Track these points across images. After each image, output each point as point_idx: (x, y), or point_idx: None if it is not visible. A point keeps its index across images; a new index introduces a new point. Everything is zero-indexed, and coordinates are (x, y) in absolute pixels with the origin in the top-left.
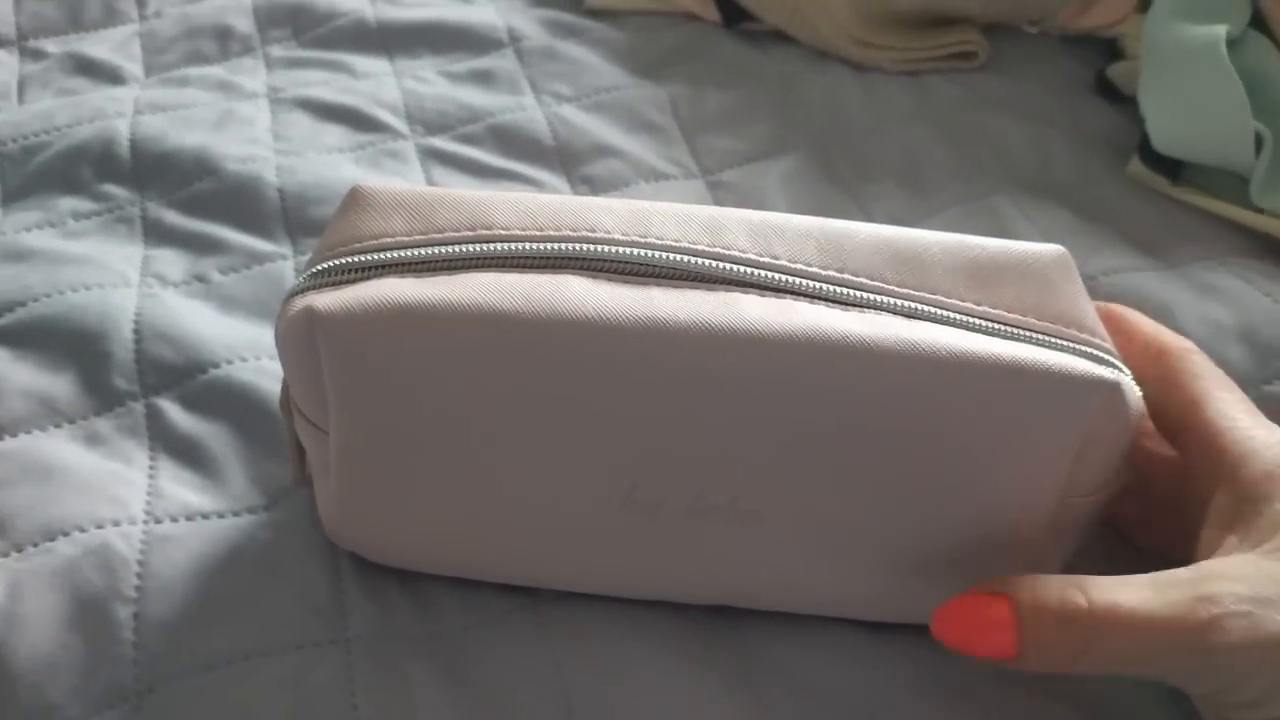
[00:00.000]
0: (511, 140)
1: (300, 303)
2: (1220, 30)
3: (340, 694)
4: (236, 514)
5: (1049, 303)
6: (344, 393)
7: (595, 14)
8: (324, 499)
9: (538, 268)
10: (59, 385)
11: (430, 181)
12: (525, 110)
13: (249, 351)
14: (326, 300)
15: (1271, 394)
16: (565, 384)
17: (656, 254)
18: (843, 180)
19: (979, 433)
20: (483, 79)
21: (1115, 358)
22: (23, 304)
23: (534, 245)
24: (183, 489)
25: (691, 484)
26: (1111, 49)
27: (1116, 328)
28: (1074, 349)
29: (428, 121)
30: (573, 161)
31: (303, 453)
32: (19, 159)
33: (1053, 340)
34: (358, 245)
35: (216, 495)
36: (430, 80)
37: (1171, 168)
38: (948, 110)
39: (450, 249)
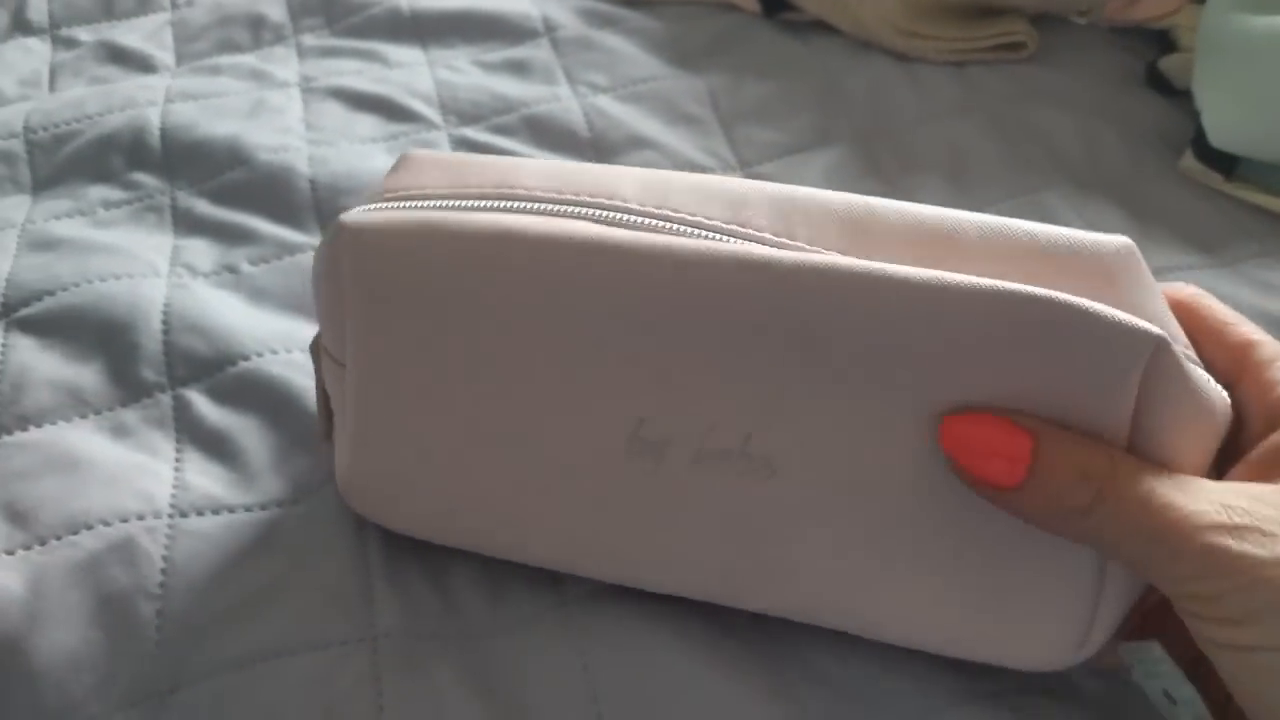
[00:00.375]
0: (546, 131)
1: (337, 226)
2: None
3: (367, 694)
4: (264, 508)
5: (1102, 297)
6: (364, 310)
7: (632, 3)
8: (341, 452)
9: (559, 214)
10: (86, 375)
11: None
12: (560, 101)
13: (279, 344)
14: (355, 216)
15: None
16: (575, 306)
17: (671, 226)
18: (886, 174)
19: (1002, 375)
20: (517, 69)
21: (1195, 362)
22: (51, 293)
23: (553, 206)
24: (209, 482)
25: (701, 417)
26: (1163, 40)
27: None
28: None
29: (461, 112)
30: (608, 153)
31: (328, 410)
32: (50, 147)
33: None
34: (391, 195)
35: (243, 489)
36: (464, 70)
37: (1226, 163)
38: (995, 103)
39: (476, 202)
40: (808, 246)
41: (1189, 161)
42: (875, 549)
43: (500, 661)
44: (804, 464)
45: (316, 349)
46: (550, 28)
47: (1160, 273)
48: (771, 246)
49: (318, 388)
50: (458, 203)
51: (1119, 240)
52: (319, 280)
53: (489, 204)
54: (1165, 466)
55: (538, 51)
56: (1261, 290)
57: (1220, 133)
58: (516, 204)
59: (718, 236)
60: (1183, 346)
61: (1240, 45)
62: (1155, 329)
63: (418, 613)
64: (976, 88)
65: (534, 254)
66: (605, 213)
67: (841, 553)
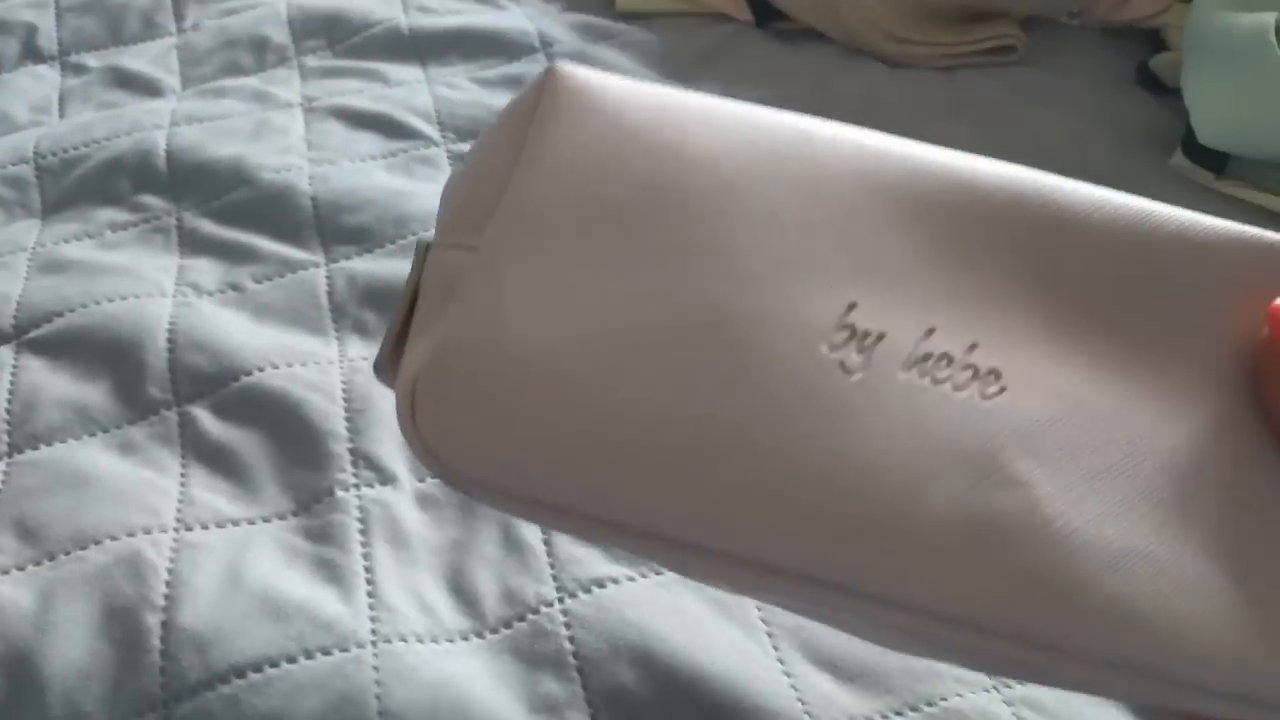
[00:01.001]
0: None
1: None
2: (1269, 18)
3: (367, 699)
4: (267, 520)
5: None
6: (545, 150)
7: (627, 17)
8: (420, 354)
9: None
10: (94, 394)
11: None
12: None
13: (281, 358)
14: (569, 67)
15: None
16: (799, 171)
17: None
18: None
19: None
20: (514, 84)
21: None
22: (60, 314)
23: None
24: (214, 496)
25: (921, 312)
26: (1154, 40)
27: None
28: None
29: (459, 127)
30: None
31: (408, 320)
32: (59, 171)
33: None
34: None
35: (247, 502)
36: (462, 86)
37: (1216, 160)
38: (985, 105)
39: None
40: None
41: (1179, 159)
42: (1119, 502)
43: (503, 660)
44: (1041, 388)
45: (423, 252)
46: (546, 43)
47: None
48: None
49: (405, 295)
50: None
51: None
52: (497, 129)
53: None
54: None
55: (534, 67)
56: None
57: (1208, 130)
58: None
59: None
60: None
61: (1225, 43)
62: None
63: (419, 617)
64: (967, 91)
65: (769, 131)
66: None
67: (1080, 503)
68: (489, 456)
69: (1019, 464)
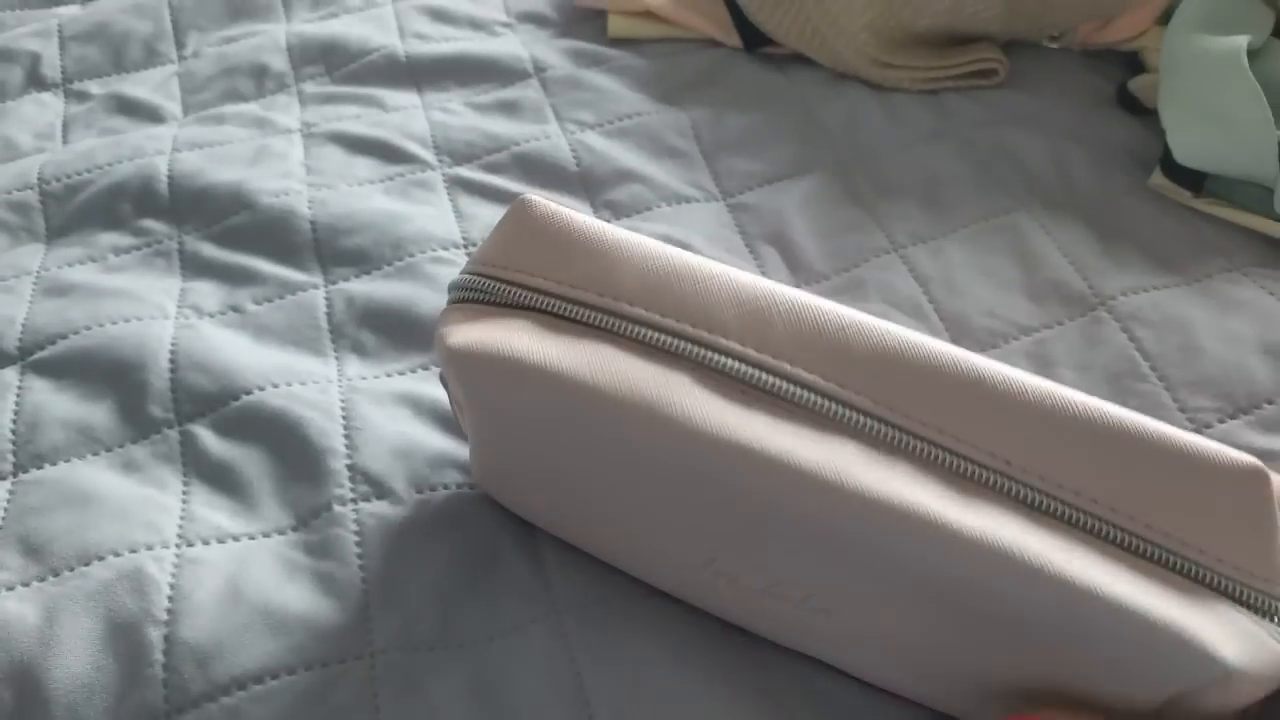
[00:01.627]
0: (535, 168)
1: (446, 321)
2: (1241, 40)
3: (364, 709)
4: (267, 535)
5: (1219, 528)
6: (470, 406)
7: (618, 43)
8: (471, 450)
9: (656, 352)
10: (97, 414)
11: (456, 209)
12: (549, 138)
13: (280, 378)
14: (459, 335)
15: None
16: (655, 467)
17: (768, 378)
18: (863, 199)
19: (1076, 647)
20: (508, 109)
21: (1274, 598)
22: (64, 337)
23: (654, 335)
24: (215, 513)
25: (766, 575)
26: (1133, 62)
27: None
28: (1233, 590)
29: (454, 152)
30: (596, 187)
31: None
32: (63, 197)
33: (1208, 575)
34: (504, 273)
35: (248, 518)
36: (457, 111)
37: (1193, 179)
38: (968, 128)
39: (579, 311)
40: (904, 421)
41: (1158, 178)
42: (919, 673)
43: (495, 671)
44: (861, 627)
45: (445, 381)
46: (540, 68)
47: (1127, 293)
48: (869, 418)
49: (451, 401)
50: (563, 306)
51: (1246, 462)
52: (438, 354)
53: (591, 316)
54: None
55: (527, 91)
56: (1225, 308)
57: (1184, 150)
58: (617, 323)
59: (819, 400)
60: (1272, 580)
61: (1200, 65)
62: (1237, 663)
63: (413, 628)
64: (950, 114)
65: (623, 424)
66: (707, 352)
67: (888, 665)
68: (511, 507)
69: (839, 640)
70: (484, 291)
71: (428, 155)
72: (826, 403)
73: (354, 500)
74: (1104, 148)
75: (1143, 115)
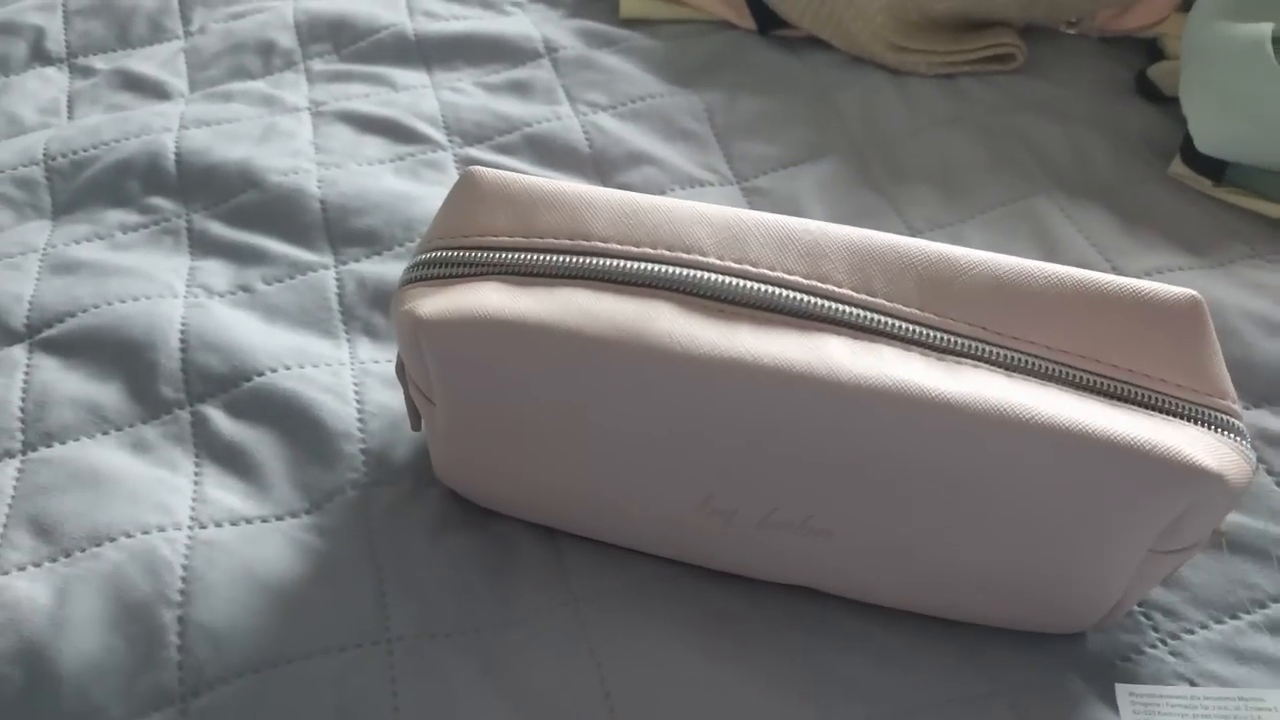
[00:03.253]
0: (547, 149)
1: (409, 300)
2: (1266, 28)
3: (383, 695)
4: (280, 518)
5: (1168, 356)
6: (445, 382)
7: (630, 23)
8: (434, 448)
9: (632, 286)
10: (107, 394)
11: None
12: (561, 120)
13: (293, 360)
14: (430, 306)
15: None
16: (647, 405)
17: (750, 285)
18: (879, 185)
19: (1067, 497)
20: (519, 89)
21: (1235, 417)
22: (72, 315)
23: (630, 264)
24: (227, 495)
25: (765, 502)
26: (1152, 49)
27: None
28: (1187, 409)
29: (465, 132)
30: (608, 169)
31: (418, 415)
32: (68, 173)
33: (1165, 399)
34: (464, 240)
35: (260, 500)
36: (468, 91)
37: (1214, 168)
38: (985, 113)
39: (548, 258)
40: (886, 304)
41: (1178, 167)
42: (918, 579)
43: (513, 658)
44: (859, 537)
45: (402, 373)
46: (551, 49)
47: (1151, 274)
48: (849, 305)
49: (406, 397)
50: (531, 257)
51: (1185, 295)
52: (399, 336)
53: (562, 261)
54: (1195, 544)
55: (539, 72)
56: (1251, 290)
57: (1206, 138)
58: (592, 262)
59: (800, 297)
60: (1229, 401)
61: (1223, 52)
62: (1214, 466)
63: (431, 614)
64: (966, 99)
65: (606, 364)
66: (685, 272)
67: (886, 580)
68: (478, 500)
69: (839, 567)
70: (442, 265)
71: (438, 135)
72: (809, 299)
73: (368, 485)
74: (1122, 135)
75: (1162, 103)
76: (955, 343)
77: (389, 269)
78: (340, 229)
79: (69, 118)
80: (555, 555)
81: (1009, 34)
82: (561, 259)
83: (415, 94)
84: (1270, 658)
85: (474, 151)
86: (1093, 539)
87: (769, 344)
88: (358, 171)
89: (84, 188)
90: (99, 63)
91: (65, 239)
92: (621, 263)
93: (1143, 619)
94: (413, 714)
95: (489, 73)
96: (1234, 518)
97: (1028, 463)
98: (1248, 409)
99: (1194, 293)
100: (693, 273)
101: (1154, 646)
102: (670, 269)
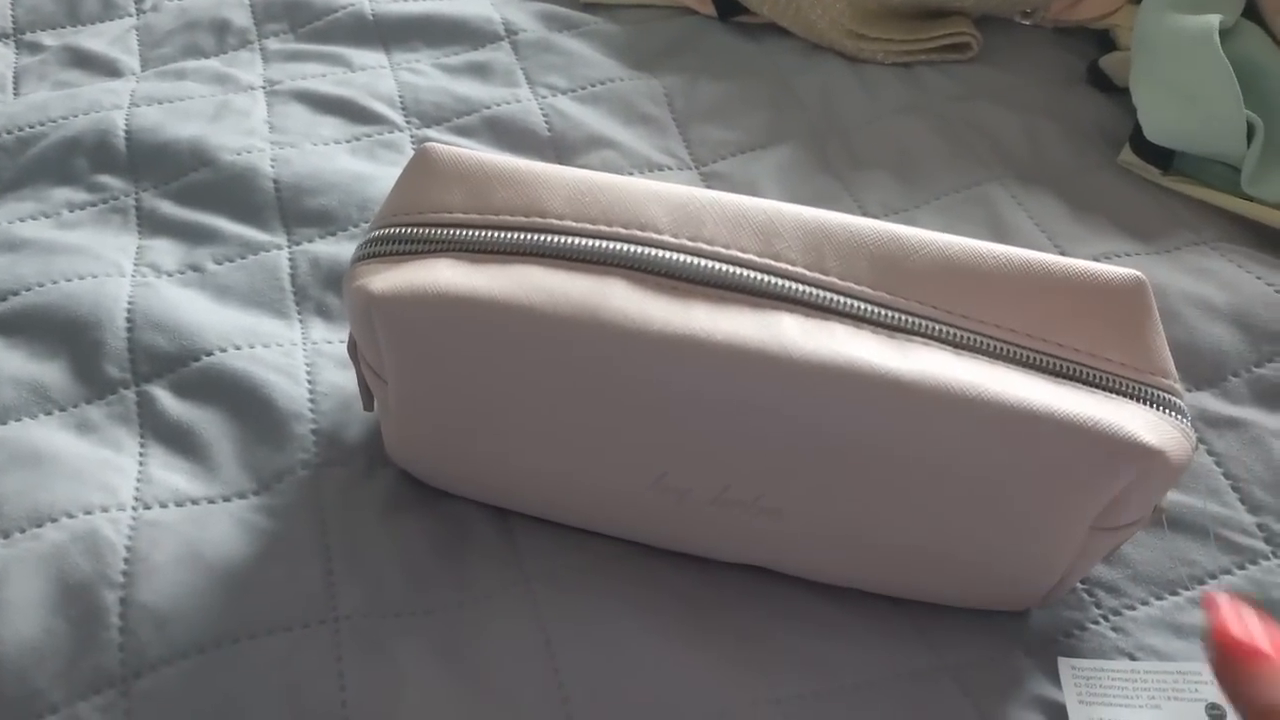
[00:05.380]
0: (506, 131)
1: (361, 276)
2: (1213, 20)
3: (328, 674)
4: (227, 499)
5: (1112, 335)
6: (398, 359)
7: (591, 7)
8: (386, 429)
9: (587, 263)
10: (50, 373)
11: None
12: (520, 102)
13: (243, 339)
14: (382, 281)
15: (1264, 377)
16: (600, 382)
17: (705, 263)
18: (836, 170)
19: (1012, 474)
20: (478, 71)
21: (1177, 396)
22: (15, 293)
23: (585, 242)
24: (173, 475)
25: (717, 481)
26: (1104, 40)
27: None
28: (1130, 388)
29: (423, 113)
30: (567, 153)
31: (370, 394)
32: (13, 150)
33: (1109, 378)
34: (418, 217)
35: (207, 481)
36: (426, 73)
37: (1163, 157)
38: (941, 101)
39: (504, 235)
40: (839, 282)
41: (1128, 155)
42: (872, 562)
43: (463, 638)
44: (810, 516)
45: (354, 351)
46: (511, 31)
47: (1100, 258)
48: (803, 284)
49: (358, 376)
50: (487, 234)
51: (1129, 276)
52: (351, 314)
53: (518, 239)
54: (1138, 520)
55: (498, 54)
56: (1196, 275)
57: (1155, 128)
58: (547, 239)
59: (754, 275)
60: (1171, 381)
61: (1172, 43)
62: (1154, 443)
63: (380, 593)
64: (923, 87)
65: (560, 340)
66: (640, 249)
67: (835, 559)
68: (432, 481)
69: (789, 546)
70: (396, 241)
71: (395, 116)
72: (763, 277)
73: (319, 465)
74: (1075, 124)
75: (1113, 93)
76: (906, 321)
77: (343, 249)
78: (294, 209)
79: (15, 94)
80: (507, 536)
81: (965, 23)
82: (516, 236)
83: (373, 74)
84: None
85: (432, 133)
86: (1037, 516)
87: (722, 321)
88: (313, 151)
89: (30, 165)
90: (47, 39)
91: (10, 217)
92: (576, 240)
93: (1085, 596)
94: (360, 694)
95: (448, 54)
96: (1174, 496)
97: (974, 440)
98: (1190, 391)
99: (1138, 274)
100: (647, 250)
101: (1096, 623)
102: (625, 246)
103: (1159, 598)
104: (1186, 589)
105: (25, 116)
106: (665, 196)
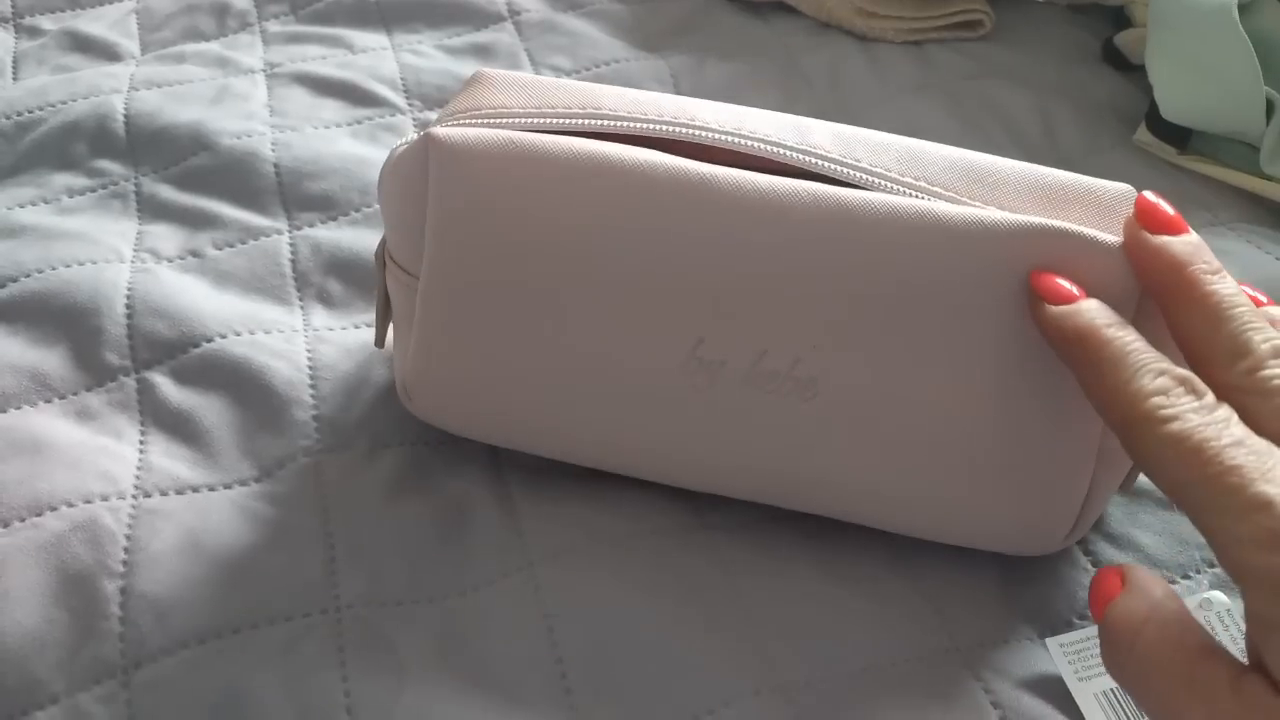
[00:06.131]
0: None
1: (418, 141)
2: None
3: (330, 664)
4: (228, 487)
5: (1106, 226)
6: (443, 222)
7: None
8: (401, 357)
9: (643, 140)
10: (50, 360)
11: None
12: None
13: (243, 326)
14: (444, 130)
15: None
16: (647, 231)
17: (751, 143)
18: None
19: (1021, 318)
20: (481, 52)
21: None
22: (14, 280)
23: (639, 124)
24: (173, 463)
25: (755, 342)
26: (1118, 17)
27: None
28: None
29: (425, 96)
30: None
31: (387, 317)
32: (13, 135)
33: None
34: (476, 112)
35: (208, 469)
36: (428, 54)
37: (1179, 136)
38: (953, 80)
39: (562, 121)
40: (870, 167)
41: (1143, 134)
42: (901, 456)
43: (465, 625)
44: (842, 386)
45: (381, 256)
46: (514, 11)
47: None
48: (835, 164)
49: (379, 293)
50: (544, 120)
51: (1123, 187)
52: (394, 191)
53: (575, 124)
54: None
55: (502, 35)
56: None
57: (1171, 106)
58: (603, 123)
59: (794, 154)
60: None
61: (1189, 19)
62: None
63: (382, 581)
64: (934, 66)
65: (621, 182)
66: (691, 130)
67: (869, 462)
68: (448, 422)
69: (821, 444)
70: (456, 125)
71: (397, 99)
72: (801, 157)
73: (320, 452)
74: (1089, 103)
75: (1128, 71)
76: (920, 195)
77: (344, 234)
78: (295, 193)
79: (14, 79)
80: (511, 519)
81: (977, 0)
82: (574, 122)
83: (374, 56)
84: None
85: (434, 115)
86: (1045, 371)
87: (762, 178)
88: (314, 135)
89: (29, 150)
90: (46, 23)
91: (9, 202)
92: (631, 124)
93: None
94: (361, 683)
95: (450, 35)
96: None
97: (999, 262)
98: None
99: (1130, 186)
100: (697, 132)
101: None
102: (676, 128)
103: (1171, 581)
104: (1198, 571)
105: (24, 101)
106: (709, 104)
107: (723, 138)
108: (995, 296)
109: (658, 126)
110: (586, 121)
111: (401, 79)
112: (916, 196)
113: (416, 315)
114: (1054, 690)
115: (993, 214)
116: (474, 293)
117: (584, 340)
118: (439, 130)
